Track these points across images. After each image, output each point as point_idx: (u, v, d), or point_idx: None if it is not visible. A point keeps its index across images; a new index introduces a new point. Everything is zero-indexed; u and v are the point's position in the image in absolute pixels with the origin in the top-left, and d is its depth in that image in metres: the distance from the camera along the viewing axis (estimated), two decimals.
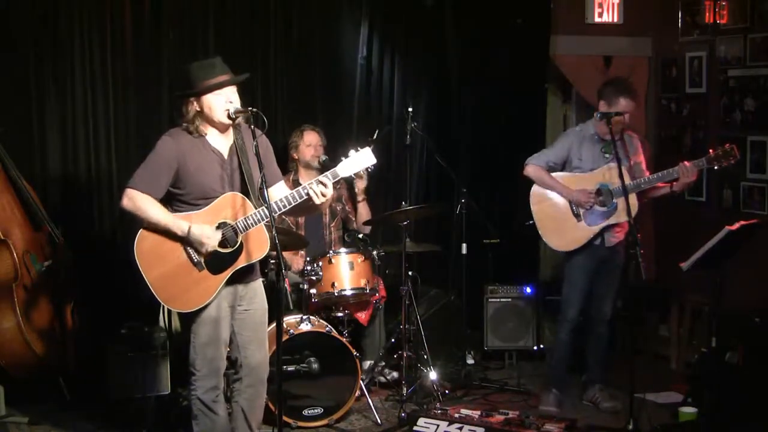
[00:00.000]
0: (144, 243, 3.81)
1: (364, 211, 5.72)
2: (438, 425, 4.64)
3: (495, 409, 4.90)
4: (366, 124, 6.34)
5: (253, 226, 3.87)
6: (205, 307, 3.86)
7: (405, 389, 5.22)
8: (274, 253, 3.75)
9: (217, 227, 3.85)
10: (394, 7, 6.43)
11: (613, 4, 6.55)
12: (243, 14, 5.92)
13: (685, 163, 4.86)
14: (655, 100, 6.70)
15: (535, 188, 5.15)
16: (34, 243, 4.96)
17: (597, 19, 6.55)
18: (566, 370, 5.28)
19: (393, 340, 5.61)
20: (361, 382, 5.07)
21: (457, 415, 4.72)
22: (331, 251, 5.28)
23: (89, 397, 5.17)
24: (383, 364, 5.62)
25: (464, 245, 5.74)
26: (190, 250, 3.83)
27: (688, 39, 6.36)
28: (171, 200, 3.89)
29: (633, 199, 4.91)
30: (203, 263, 3.83)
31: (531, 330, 6.10)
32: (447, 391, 5.43)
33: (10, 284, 4.74)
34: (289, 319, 5.00)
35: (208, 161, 3.89)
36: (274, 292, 3.89)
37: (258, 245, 3.92)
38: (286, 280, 5.03)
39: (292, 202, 3.87)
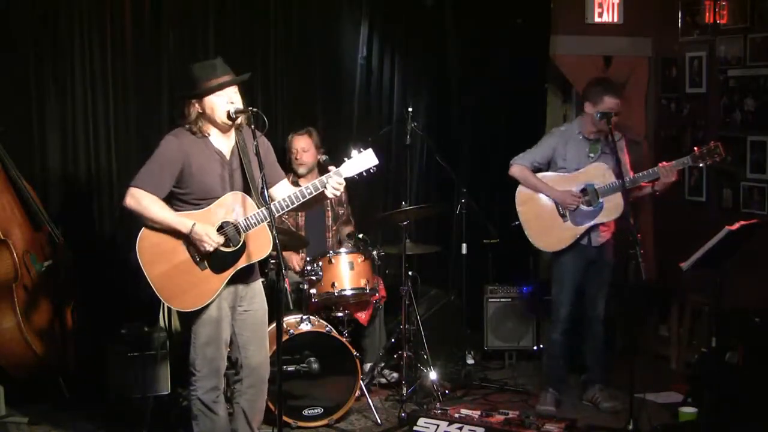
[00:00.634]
0: (146, 241, 3.81)
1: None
2: (438, 425, 4.64)
3: (495, 409, 4.90)
4: (366, 124, 6.34)
5: (255, 225, 3.87)
6: (206, 307, 3.86)
7: (405, 389, 5.22)
8: (275, 253, 3.75)
9: (220, 226, 3.85)
10: (394, 7, 6.43)
11: (613, 4, 6.56)
12: (243, 14, 5.92)
13: (664, 163, 4.87)
14: (655, 100, 6.70)
15: (520, 189, 5.15)
16: (34, 243, 4.96)
17: (597, 19, 6.56)
18: (563, 370, 5.29)
19: (393, 340, 5.61)
20: (361, 382, 5.07)
21: (457, 415, 4.73)
22: (331, 251, 5.28)
23: (89, 397, 5.17)
24: (383, 364, 5.62)
25: (464, 245, 5.74)
26: (192, 249, 3.83)
27: (688, 39, 6.36)
28: (172, 199, 3.90)
29: (618, 198, 4.93)
30: (205, 262, 3.83)
31: (531, 330, 6.10)
32: (447, 391, 5.43)
33: (10, 284, 4.74)
34: (289, 319, 5.00)
35: (210, 162, 3.89)
36: (274, 292, 3.90)
37: (260, 245, 3.92)
38: (286, 280, 5.04)
39: (300, 199, 3.89)
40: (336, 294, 5.19)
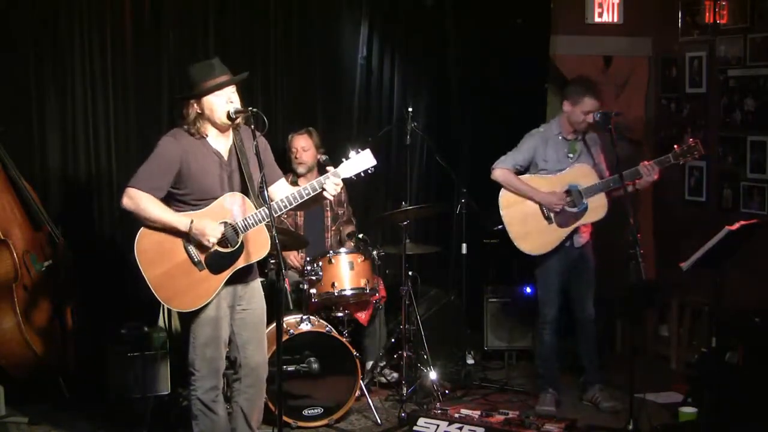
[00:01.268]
0: (144, 241, 3.81)
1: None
2: (438, 425, 4.64)
3: (495, 409, 4.91)
4: (366, 124, 6.35)
5: (253, 226, 3.87)
6: (205, 307, 3.86)
7: (405, 389, 5.22)
8: (274, 252, 3.75)
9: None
10: (394, 7, 6.43)
11: (613, 4, 6.55)
12: (243, 14, 5.92)
13: (645, 162, 4.89)
14: (655, 100, 6.70)
15: (503, 192, 5.14)
16: (34, 243, 4.96)
17: (597, 19, 6.56)
18: (557, 370, 5.29)
19: (393, 340, 5.61)
20: (361, 382, 5.07)
21: (457, 415, 4.73)
22: (331, 251, 5.28)
23: (89, 397, 5.18)
24: (383, 364, 5.62)
25: (464, 245, 5.75)
26: (190, 250, 3.83)
27: (688, 39, 6.36)
28: (170, 200, 3.89)
29: (602, 198, 4.94)
30: (203, 263, 3.83)
31: (531, 330, 6.09)
32: (447, 391, 5.43)
33: (10, 284, 4.74)
34: (289, 319, 5.00)
35: (208, 162, 3.89)
36: (274, 292, 3.89)
37: (258, 246, 3.92)
38: (286, 279, 5.04)
39: (298, 199, 3.89)
40: (336, 294, 5.19)
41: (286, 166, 5.53)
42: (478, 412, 4.76)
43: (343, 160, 3.94)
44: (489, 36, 6.58)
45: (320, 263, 5.20)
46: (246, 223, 3.86)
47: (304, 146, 5.59)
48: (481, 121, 6.62)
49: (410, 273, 5.43)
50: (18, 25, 5.30)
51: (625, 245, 4.97)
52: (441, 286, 6.32)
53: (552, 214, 5.04)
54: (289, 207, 3.92)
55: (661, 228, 6.59)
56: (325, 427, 4.94)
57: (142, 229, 3.82)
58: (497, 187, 5.21)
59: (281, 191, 4.02)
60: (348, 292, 5.21)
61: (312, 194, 3.92)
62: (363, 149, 3.95)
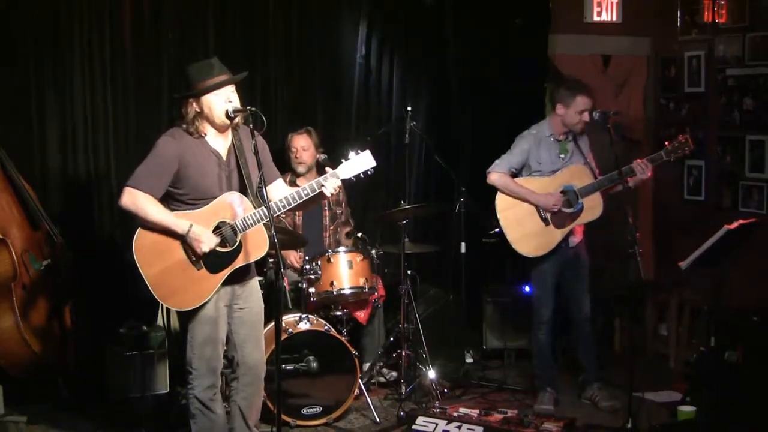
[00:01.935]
0: (143, 240, 3.81)
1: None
2: (437, 424, 4.65)
3: (494, 408, 4.92)
4: (365, 124, 6.35)
5: (252, 225, 3.88)
6: (203, 306, 3.86)
7: (404, 388, 5.23)
8: (273, 251, 3.75)
9: (217, 227, 3.86)
10: (394, 6, 6.43)
11: (612, 3, 6.57)
12: (243, 14, 5.92)
13: (639, 160, 4.90)
14: (654, 100, 6.71)
15: (500, 196, 5.14)
16: (32, 242, 4.96)
17: (596, 19, 6.57)
18: (554, 369, 5.30)
19: (392, 339, 5.61)
20: (359, 381, 5.07)
21: (455, 414, 4.74)
22: (330, 250, 5.28)
23: (88, 396, 5.18)
24: (382, 363, 5.62)
25: (463, 244, 5.74)
26: (188, 249, 3.83)
27: (686, 38, 6.36)
28: (169, 199, 3.90)
29: (598, 198, 4.94)
30: (201, 262, 3.83)
31: (529, 329, 6.08)
32: (446, 390, 5.43)
33: (8, 283, 4.74)
34: (288, 318, 5.00)
35: (207, 162, 3.89)
36: (273, 291, 3.89)
37: (257, 245, 3.93)
38: (285, 279, 5.04)
39: (297, 199, 3.89)
40: (335, 293, 5.19)
41: (285, 166, 5.54)
42: (477, 411, 4.77)
43: (343, 161, 3.94)
44: (488, 36, 6.59)
45: (319, 262, 5.20)
46: (244, 222, 3.87)
47: (303, 146, 5.59)
48: (481, 120, 6.62)
49: (409, 272, 5.43)
50: (18, 24, 5.30)
51: (623, 245, 4.99)
52: (440, 286, 6.33)
53: (548, 216, 5.05)
54: (288, 207, 3.93)
55: (660, 227, 6.59)
56: (324, 426, 4.94)
57: (139, 228, 3.83)
58: (495, 187, 5.21)
59: (278, 191, 4.02)
60: (347, 291, 5.22)
61: (311, 195, 3.92)
62: (363, 150, 3.96)
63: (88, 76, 5.50)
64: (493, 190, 6.55)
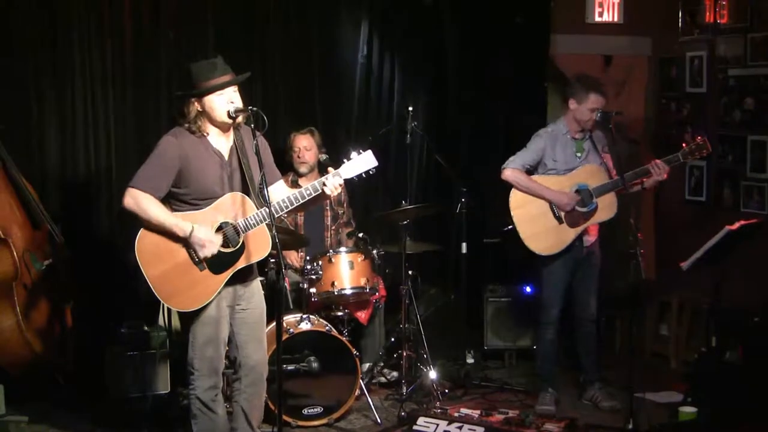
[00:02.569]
0: (145, 241, 3.81)
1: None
2: (438, 424, 4.65)
3: (495, 408, 4.91)
4: (366, 124, 6.35)
5: (254, 226, 3.87)
6: (205, 306, 3.86)
7: (405, 388, 5.23)
8: (275, 252, 3.75)
9: (219, 227, 3.85)
10: (394, 6, 6.43)
11: (613, 3, 6.55)
12: (243, 13, 5.92)
13: (656, 161, 4.88)
14: (655, 100, 6.70)
15: (514, 193, 5.12)
16: (33, 242, 4.96)
17: (597, 19, 6.56)
18: (556, 369, 5.29)
19: (393, 339, 5.61)
20: (360, 381, 5.07)
21: (456, 415, 4.74)
22: (331, 250, 5.28)
23: (89, 396, 5.18)
24: (383, 363, 5.62)
25: (464, 244, 5.74)
26: (191, 249, 3.83)
27: (688, 38, 6.36)
28: (171, 200, 3.90)
29: (612, 197, 4.93)
30: (204, 263, 3.83)
31: (530, 329, 6.09)
32: (447, 391, 5.43)
33: (10, 283, 4.74)
34: (289, 318, 5.00)
35: (209, 162, 3.89)
36: (274, 292, 3.89)
37: (259, 246, 3.92)
38: (286, 279, 5.04)
39: (300, 199, 3.89)
40: (336, 293, 5.18)
41: (286, 166, 5.54)
42: (478, 412, 4.77)
43: (345, 160, 3.94)
44: (489, 35, 6.58)
45: (320, 262, 5.20)
46: (247, 223, 3.86)
47: (306, 146, 5.59)
48: (481, 120, 6.62)
49: (410, 272, 5.43)
50: (17, 24, 5.30)
51: (625, 245, 4.99)
52: (441, 286, 6.34)
53: (562, 214, 5.03)
54: (291, 207, 3.92)
55: (662, 227, 6.59)
56: (325, 427, 4.94)
57: (142, 229, 3.82)
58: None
59: (279, 192, 4.01)
60: (348, 292, 5.21)
61: (313, 195, 3.92)
62: (364, 150, 3.95)
63: (87, 75, 5.51)
64: (492, 190, 6.58)
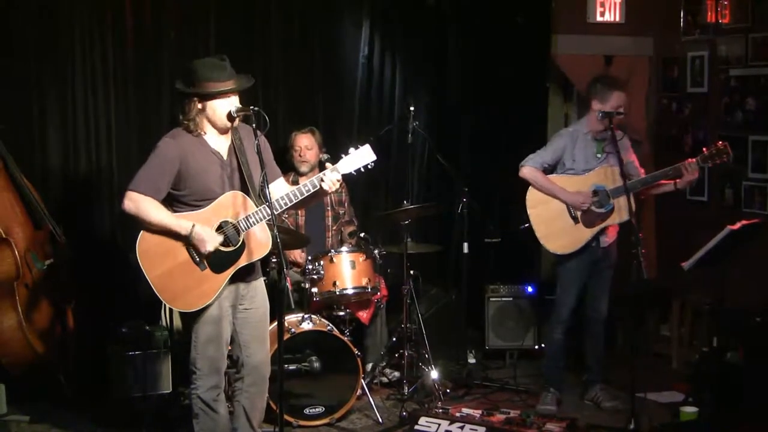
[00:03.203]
0: (146, 242, 3.81)
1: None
2: (439, 424, 4.64)
3: (496, 408, 4.91)
4: (367, 124, 6.34)
5: (255, 224, 3.87)
6: (207, 306, 3.86)
7: (406, 388, 5.23)
8: (276, 251, 3.75)
9: (219, 226, 3.86)
10: (395, 6, 6.43)
11: (614, 3, 6.54)
12: (244, 14, 5.92)
13: (690, 160, 4.85)
14: (657, 100, 6.70)
15: (531, 191, 5.12)
16: (35, 241, 4.96)
17: (599, 19, 6.55)
18: (563, 370, 5.29)
19: (394, 339, 5.61)
20: (362, 381, 5.07)
21: (458, 414, 4.74)
22: (332, 250, 5.28)
23: (90, 395, 5.18)
24: (384, 363, 5.62)
25: (465, 244, 5.74)
26: (192, 249, 3.83)
27: (689, 38, 6.35)
28: (171, 201, 3.89)
29: (630, 199, 4.92)
30: (205, 262, 3.83)
31: (532, 329, 6.10)
32: (448, 390, 5.43)
33: (11, 283, 4.74)
34: (291, 318, 5.00)
35: (208, 162, 3.89)
36: (275, 291, 3.89)
37: (260, 244, 3.92)
38: (288, 279, 5.03)
39: (299, 196, 3.89)
40: (337, 293, 5.18)
41: (287, 166, 5.54)
42: (480, 412, 4.77)
43: (343, 156, 3.93)
44: (490, 35, 6.58)
45: (322, 262, 5.20)
46: (247, 221, 3.86)
47: (307, 145, 5.59)
48: (482, 120, 6.62)
49: (411, 272, 5.43)
50: (18, 24, 5.30)
51: (627, 245, 4.99)
52: (442, 286, 6.33)
53: (578, 214, 5.02)
54: (290, 204, 3.92)
55: (663, 228, 6.58)
56: (327, 426, 4.94)
57: (143, 230, 3.82)
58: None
59: (279, 190, 4.01)
60: (349, 291, 5.21)
61: (312, 191, 3.91)
62: (362, 145, 3.94)
63: (89, 74, 5.51)
64: (492, 190, 6.59)
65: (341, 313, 5.33)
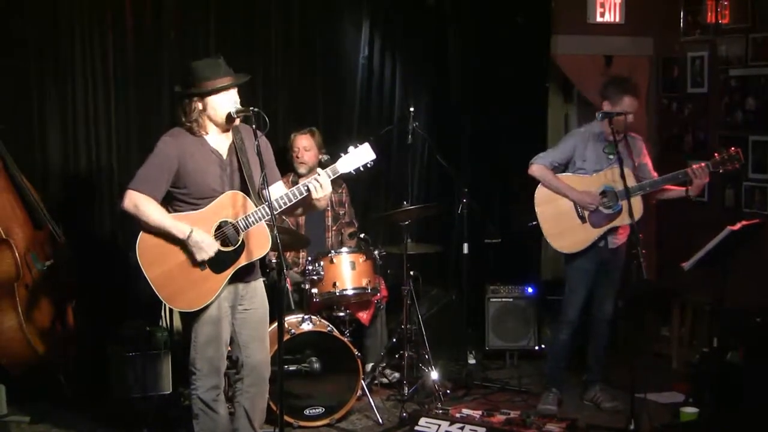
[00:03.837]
0: (146, 243, 3.81)
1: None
2: (439, 425, 4.64)
3: (496, 408, 4.91)
4: (367, 124, 6.34)
5: (254, 224, 3.87)
6: (206, 306, 3.86)
7: (406, 389, 5.22)
8: (276, 252, 3.75)
9: (219, 226, 3.85)
10: (395, 6, 6.43)
11: (614, 3, 6.55)
12: (244, 14, 5.92)
13: (702, 164, 4.83)
14: (657, 100, 6.70)
15: (540, 189, 5.11)
16: (35, 242, 4.96)
17: (599, 19, 6.55)
18: (565, 370, 5.28)
19: (394, 339, 5.60)
20: (362, 381, 5.06)
21: (458, 415, 4.73)
22: (332, 251, 5.27)
23: (90, 396, 5.18)
24: (384, 363, 5.62)
25: (465, 245, 5.74)
26: (191, 249, 3.83)
27: (689, 39, 6.36)
28: (171, 200, 3.90)
29: (638, 201, 4.90)
30: (205, 262, 3.83)
31: (532, 330, 6.10)
32: (448, 391, 5.43)
33: (11, 283, 4.74)
34: (291, 319, 5.00)
35: (208, 161, 3.89)
36: (275, 292, 3.89)
37: (259, 243, 3.92)
38: (288, 279, 5.04)
39: (292, 199, 3.88)
40: (337, 294, 5.18)
41: (287, 166, 5.53)
42: (480, 412, 4.76)
43: (342, 155, 3.93)
44: (490, 35, 6.58)
45: (322, 263, 5.20)
46: (247, 221, 3.86)
47: (306, 146, 5.59)
48: (482, 120, 6.62)
49: (411, 273, 5.42)
50: (18, 24, 5.30)
51: (627, 246, 4.99)
52: (442, 286, 6.33)
53: (586, 214, 5.01)
54: (288, 204, 3.90)
55: (663, 228, 6.58)
56: (327, 427, 4.94)
57: (142, 231, 3.82)
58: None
59: (277, 193, 4.00)
60: (349, 292, 5.21)
61: (299, 196, 3.88)
62: (361, 144, 3.93)
63: (89, 74, 5.51)
64: (495, 191, 6.59)
65: (341, 314, 5.32)
